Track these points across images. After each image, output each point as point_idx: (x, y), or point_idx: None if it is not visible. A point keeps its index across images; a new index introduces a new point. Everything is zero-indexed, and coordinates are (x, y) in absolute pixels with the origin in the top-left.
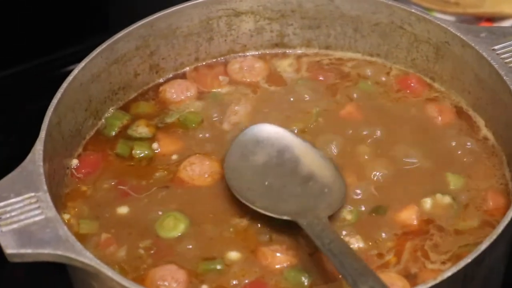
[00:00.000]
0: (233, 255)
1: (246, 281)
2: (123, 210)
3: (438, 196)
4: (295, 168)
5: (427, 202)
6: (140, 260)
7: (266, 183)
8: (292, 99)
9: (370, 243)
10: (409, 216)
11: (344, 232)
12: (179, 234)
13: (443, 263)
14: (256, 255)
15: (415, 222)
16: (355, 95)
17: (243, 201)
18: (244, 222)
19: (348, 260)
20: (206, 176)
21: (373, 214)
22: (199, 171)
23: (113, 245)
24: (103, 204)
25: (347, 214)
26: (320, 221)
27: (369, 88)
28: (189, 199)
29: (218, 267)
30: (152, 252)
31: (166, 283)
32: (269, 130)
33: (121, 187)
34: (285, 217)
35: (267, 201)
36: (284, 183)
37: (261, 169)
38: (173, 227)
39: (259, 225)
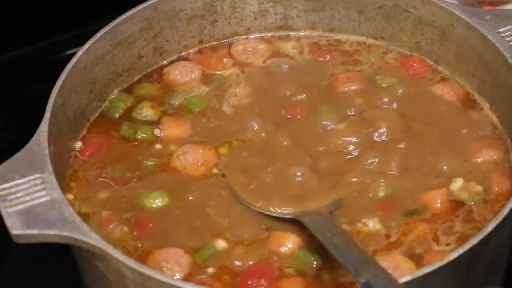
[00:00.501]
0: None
1: (251, 263)
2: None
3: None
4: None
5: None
6: (139, 240)
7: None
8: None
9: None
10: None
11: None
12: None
13: (448, 244)
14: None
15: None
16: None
17: (244, 203)
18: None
19: (350, 250)
20: (200, 165)
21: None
22: (191, 159)
23: (114, 223)
24: (96, 189)
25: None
26: (322, 217)
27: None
28: (182, 186)
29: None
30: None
31: (169, 266)
32: None
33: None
34: (287, 216)
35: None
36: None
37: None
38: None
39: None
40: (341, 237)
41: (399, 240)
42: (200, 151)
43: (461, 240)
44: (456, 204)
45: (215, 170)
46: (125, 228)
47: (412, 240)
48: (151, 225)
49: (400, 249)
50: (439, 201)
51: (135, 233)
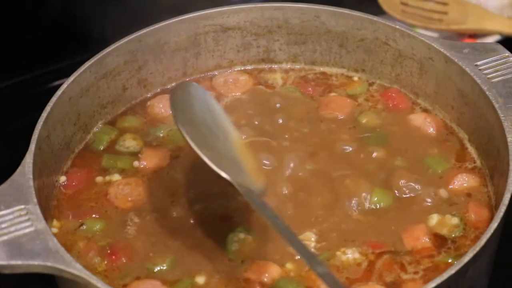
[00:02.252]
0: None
1: None
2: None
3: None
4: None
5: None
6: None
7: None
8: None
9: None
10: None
11: None
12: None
13: (416, 272)
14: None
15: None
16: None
17: (193, 146)
18: None
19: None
20: (129, 199)
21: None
22: (124, 193)
23: (92, 251)
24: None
25: None
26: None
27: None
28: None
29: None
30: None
31: None
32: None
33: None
34: (223, 174)
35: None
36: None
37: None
38: None
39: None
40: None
41: (368, 268)
42: (131, 186)
43: (432, 268)
44: (439, 239)
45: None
46: (99, 258)
47: (379, 267)
48: (123, 256)
49: (372, 278)
50: (422, 240)
51: (110, 263)
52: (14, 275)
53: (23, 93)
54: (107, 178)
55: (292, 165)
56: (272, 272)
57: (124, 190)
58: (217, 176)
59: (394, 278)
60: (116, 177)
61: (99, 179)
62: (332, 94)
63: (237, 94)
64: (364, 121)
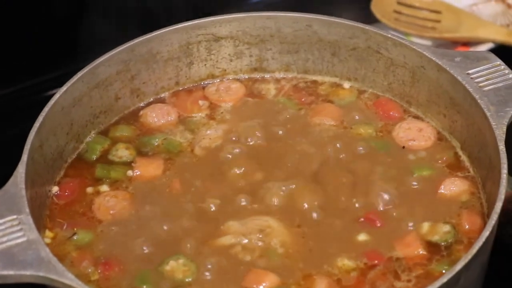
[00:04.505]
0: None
1: None
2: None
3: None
4: None
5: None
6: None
7: None
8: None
9: None
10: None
11: None
12: None
13: (409, 280)
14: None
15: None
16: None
17: None
18: None
19: None
20: (111, 212)
21: None
22: (107, 204)
23: (85, 261)
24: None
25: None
26: None
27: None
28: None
29: None
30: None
31: None
32: None
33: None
34: None
35: None
36: None
37: None
38: None
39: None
40: None
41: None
42: (116, 199)
43: (424, 275)
44: (432, 247)
45: None
46: (92, 268)
47: (372, 276)
48: (117, 267)
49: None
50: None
51: (103, 273)
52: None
53: (15, 103)
54: (97, 188)
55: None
56: (271, 281)
57: (109, 202)
58: None
59: (387, 287)
60: (104, 188)
61: (89, 189)
62: (324, 103)
63: (228, 103)
64: (357, 130)
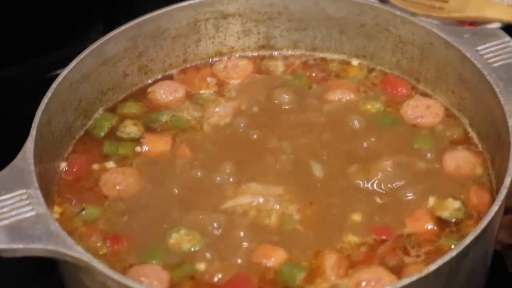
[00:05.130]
0: None
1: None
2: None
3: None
4: None
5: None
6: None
7: None
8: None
9: None
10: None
11: None
12: None
13: (418, 256)
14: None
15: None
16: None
17: None
18: None
19: None
20: (118, 188)
21: None
22: (114, 181)
23: (94, 235)
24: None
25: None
26: None
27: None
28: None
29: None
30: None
31: (149, 280)
32: None
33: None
34: None
35: None
36: None
37: None
38: None
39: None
40: None
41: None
42: (123, 175)
43: (434, 251)
44: (441, 222)
45: None
46: (101, 242)
47: (381, 252)
48: (125, 241)
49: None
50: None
51: (111, 247)
52: (16, 268)
53: (24, 81)
54: (103, 165)
55: None
56: (278, 256)
57: (115, 179)
58: None
59: (397, 262)
60: (110, 164)
61: (95, 166)
62: (337, 78)
63: (236, 80)
64: (365, 106)
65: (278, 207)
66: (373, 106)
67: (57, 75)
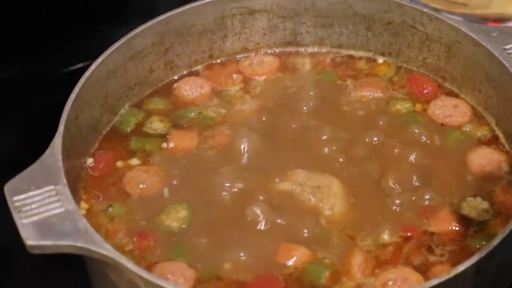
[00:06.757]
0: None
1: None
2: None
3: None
4: None
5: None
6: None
7: None
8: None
9: None
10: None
11: None
12: None
13: (443, 255)
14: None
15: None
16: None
17: None
18: None
19: None
20: (141, 186)
21: None
22: (137, 179)
23: (121, 232)
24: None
25: None
26: None
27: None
28: None
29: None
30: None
31: (175, 278)
32: None
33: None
34: None
35: None
36: None
37: None
38: None
39: None
40: None
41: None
42: (147, 174)
43: (458, 251)
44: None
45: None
46: (127, 239)
47: (407, 251)
48: (152, 238)
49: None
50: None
51: (138, 244)
52: (33, 259)
53: (48, 75)
54: (128, 162)
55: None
56: (302, 255)
57: (140, 176)
58: None
59: (422, 261)
60: (134, 161)
61: (119, 163)
62: (367, 77)
63: (262, 77)
64: (395, 106)
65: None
66: (403, 106)
67: (76, 70)
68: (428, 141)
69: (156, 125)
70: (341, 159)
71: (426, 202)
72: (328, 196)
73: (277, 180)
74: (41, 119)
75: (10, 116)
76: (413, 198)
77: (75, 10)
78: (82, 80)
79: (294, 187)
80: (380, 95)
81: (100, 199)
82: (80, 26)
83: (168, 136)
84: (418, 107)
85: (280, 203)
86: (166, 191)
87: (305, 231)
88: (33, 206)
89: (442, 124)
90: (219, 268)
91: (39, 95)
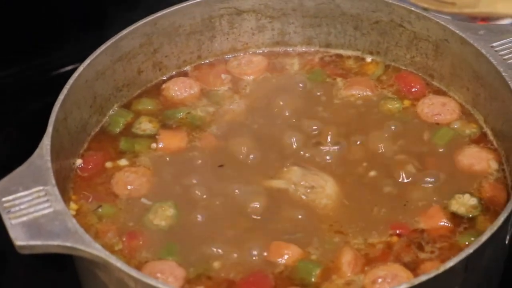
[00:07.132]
0: None
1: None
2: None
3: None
4: None
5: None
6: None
7: None
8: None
9: None
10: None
11: None
12: None
13: (433, 252)
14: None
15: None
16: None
17: None
18: None
19: None
20: (129, 187)
21: None
22: (125, 180)
23: (110, 232)
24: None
25: None
26: None
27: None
28: None
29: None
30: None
31: (164, 277)
32: None
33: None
34: None
35: None
36: None
37: None
38: None
39: None
40: None
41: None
42: (135, 175)
43: (448, 247)
44: (456, 218)
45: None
46: (117, 238)
47: (397, 248)
48: (141, 238)
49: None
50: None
51: (127, 244)
52: (28, 262)
53: (38, 77)
54: (116, 163)
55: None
56: (293, 253)
57: (128, 178)
58: None
59: (412, 258)
60: (123, 162)
61: (108, 164)
62: (356, 75)
63: (250, 76)
64: (385, 106)
65: (305, 198)
66: (393, 106)
67: (65, 72)
68: (415, 139)
69: (145, 125)
70: (331, 159)
71: (417, 201)
72: (320, 198)
73: (268, 178)
74: (30, 121)
75: None
76: (404, 195)
77: (64, 13)
78: (71, 81)
79: (287, 185)
80: (370, 93)
81: (90, 199)
82: (69, 28)
83: (157, 137)
84: (407, 103)
85: (272, 201)
86: (154, 191)
87: (297, 229)
88: (22, 206)
89: (431, 123)
90: (208, 267)
91: (29, 97)
